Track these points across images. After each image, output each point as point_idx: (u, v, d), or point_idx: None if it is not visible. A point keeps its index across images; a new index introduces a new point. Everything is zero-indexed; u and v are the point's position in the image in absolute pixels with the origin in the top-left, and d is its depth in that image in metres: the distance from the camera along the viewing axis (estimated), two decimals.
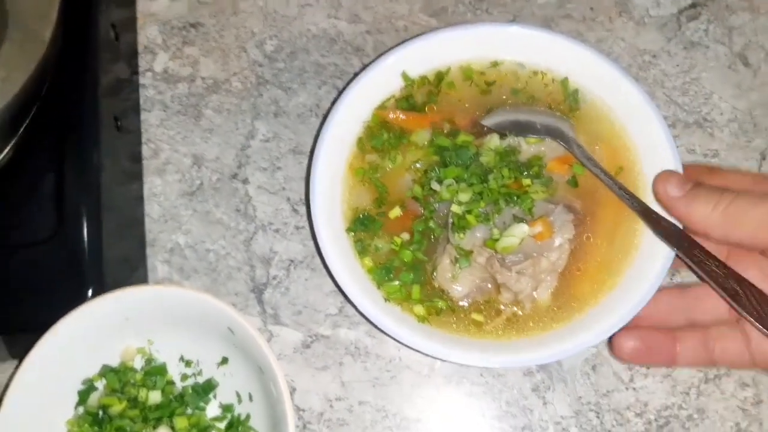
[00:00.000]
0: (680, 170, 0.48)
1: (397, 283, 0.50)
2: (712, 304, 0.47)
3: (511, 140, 0.52)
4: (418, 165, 0.53)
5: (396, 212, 0.51)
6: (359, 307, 0.48)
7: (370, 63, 0.54)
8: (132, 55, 0.63)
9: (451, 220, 0.49)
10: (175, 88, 0.62)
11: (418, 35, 0.55)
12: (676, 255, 0.46)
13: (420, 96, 0.55)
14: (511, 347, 0.48)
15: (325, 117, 0.54)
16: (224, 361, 0.51)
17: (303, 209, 0.58)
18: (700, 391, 0.52)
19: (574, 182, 0.51)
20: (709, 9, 0.62)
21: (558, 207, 0.50)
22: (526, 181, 0.50)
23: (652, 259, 0.48)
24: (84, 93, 0.53)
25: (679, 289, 0.49)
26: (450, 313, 0.50)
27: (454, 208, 0.49)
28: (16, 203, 0.51)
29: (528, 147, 0.52)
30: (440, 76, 0.55)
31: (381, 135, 0.53)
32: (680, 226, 0.46)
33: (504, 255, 0.48)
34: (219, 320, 0.47)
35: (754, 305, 0.42)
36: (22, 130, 0.51)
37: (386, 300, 0.50)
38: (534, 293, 0.49)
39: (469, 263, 0.49)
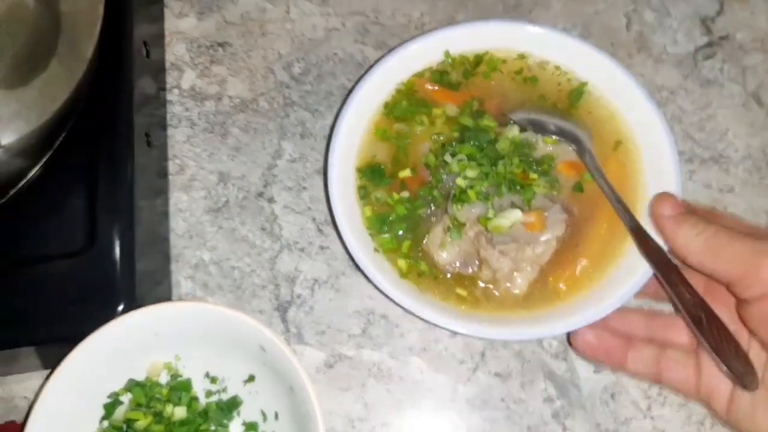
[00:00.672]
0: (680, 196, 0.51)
1: (388, 235, 0.53)
2: (678, 333, 0.49)
3: (530, 135, 0.55)
4: (439, 137, 0.56)
5: (406, 173, 0.55)
6: (347, 243, 0.51)
7: (415, 37, 0.57)
8: (159, 71, 0.64)
9: (453, 192, 0.52)
10: (202, 105, 0.63)
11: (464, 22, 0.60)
12: (654, 275, 0.48)
13: (455, 74, 0.58)
14: (476, 318, 0.50)
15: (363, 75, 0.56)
16: (251, 378, 0.51)
17: (328, 229, 0.59)
18: (714, 422, 0.53)
19: (579, 187, 0.54)
20: (723, 48, 0.65)
21: (556, 205, 0.53)
22: (533, 175, 0.53)
23: (631, 273, 0.50)
24: (119, 109, 0.54)
25: (651, 314, 0.51)
26: (432, 279, 0.52)
27: (459, 181, 0.52)
28: (49, 215, 0.52)
29: (544, 146, 0.55)
30: (479, 59, 0.57)
31: (402, 103, 0.56)
32: (665, 249, 0.49)
33: (493, 234, 0.51)
34: (250, 338, 0.48)
35: (714, 334, 0.44)
36: (57, 143, 0.52)
37: (376, 250, 0.52)
38: (513, 275, 0.51)
39: (460, 235, 0.52)
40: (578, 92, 0.56)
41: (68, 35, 0.46)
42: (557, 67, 0.57)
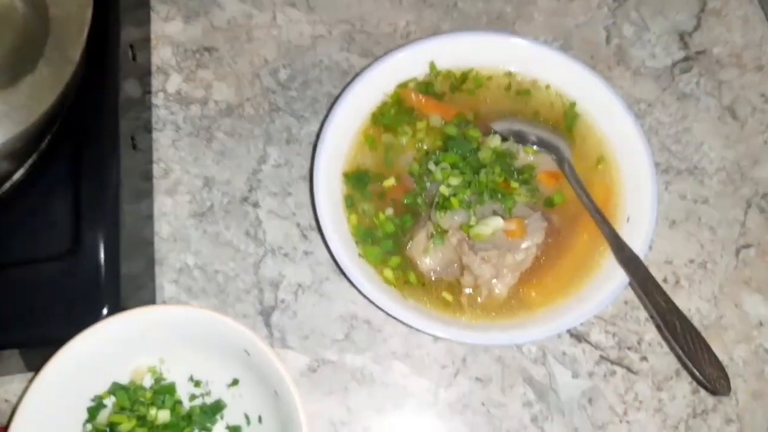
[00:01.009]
0: (655, 212, 0.53)
1: (376, 247, 0.54)
2: None
3: (511, 145, 0.56)
4: (423, 146, 0.57)
5: (391, 182, 0.56)
6: (332, 248, 0.52)
7: (400, 46, 0.58)
8: (145, 75, 0.64)
9: (437, 200, 0.54)
10: (187, 109, 0.63)
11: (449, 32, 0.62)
12: (629, 284, 0.50)
13: (440, 86, 0.59)
14: (457, 323, 0.52)
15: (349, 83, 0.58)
16: (235, 382, 0.52)
17: (312, 235, 0.59)
18: (688, 426, 0.54)
19: (559, 197, 0.55)
20: (700, 63, 0.66)
21: (536, 214, 0.54)
22: (514, 184, 0.55)
23: (608, 281, 0.52)
24: (105, 111, 0.54)
25: None
26: (419, 285, 0.53)
27: (443, 189, 0.54)
28: (33, 218, 0.52)
29: (525, 155, 0.57)
30: (465, 75, 0.59)
31: (390, 111, 0.58)
32: (641, 256, 0.50)
33: (475, 241, 0.52)
34: (235, 342, 0.48)
35: (687, 341, 0.46)
36: (43, 145, 0.52)
37: (360, 256, 0.53)
38: (494, 282, 0.53)
39: (443, 242, 0.53)
40: (572, 114, 0.58)
41: (56, 38, 0.46)
42: (548, 86, 0.59)
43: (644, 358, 0.56)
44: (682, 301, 0.58)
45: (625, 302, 0.57)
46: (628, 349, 0.56)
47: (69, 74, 0.49)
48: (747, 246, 0.60)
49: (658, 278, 0.57)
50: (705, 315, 0.57)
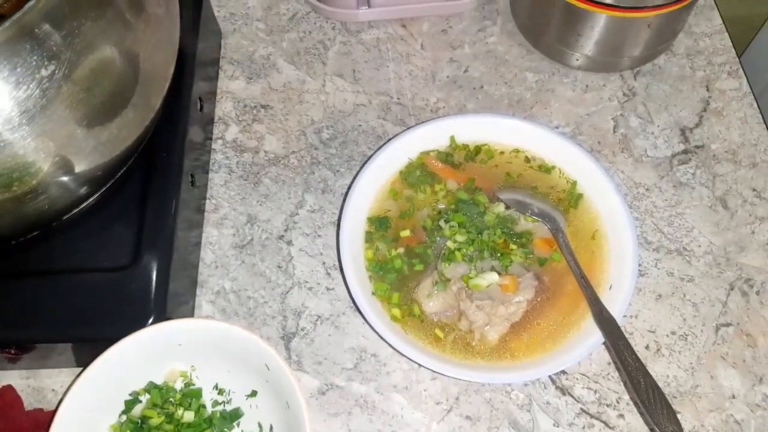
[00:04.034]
0: (634, 282, 0.59)
1: (384, 283, 0.62)
2: None
3: (513, 213, 0.64)
4: (440, 205, 0.65)
5: (406, 233, 0.64)
6: (349, 286, 0.60)
7: (428, 120, 0.69)
8: (208, 123, 0.74)
9: (443, 252, 0.62)
10: (240, 156, 0.73)
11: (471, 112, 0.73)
12: (603, 343, 0.57)
13: (458, 157, 0.68)
14: (450, 362, 0.59)
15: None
16: (253, 393, 0.59)
17: (335, 273, 0.67)
18: None
19: (552, 260, 0.62)
20: (698, 156, 0.74)
21: (529, 273, 0.61)
22: (513, 246, 0.62)
23: (586, 338, 0.58)
24: (172, 152, 0.64)
25: None
26: (419, 322, 0.61)
27: (449, 243, 0.62)
28: (102, 234, 0.61)
29: (525, 222, 0.65)
30: (478, 149, 0.68)
31: (415, 172, 0.67)
32: (617, 320, 0.57)
33: (473, 291, 0.59)
34: (258, 357, 0.56)
35: (648, 395, 0.52)
36: (118, 175, 0.62)
37: (373, 294, 0.61)
38: (486, 329, 0.59)
39: (445, 289, 0.61)
40: (575, 192, 0.66)
41: (143, 88, 0.56)
42: (553, 165, 0.67)
43: (621, 416, 0.61)
44: (661, 367, 0.63)
45: (609, 363, 0.63)
46: (607, 405, 0.62)
47: (149, 119, 0.59)
48: (727, 324, 0.65)
49: (641, 345, 0.64)
50: (681, 383, 0.63)
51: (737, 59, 0.80)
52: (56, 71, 0.45)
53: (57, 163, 0.50)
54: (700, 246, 0.69)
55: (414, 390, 0.62)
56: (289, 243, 0.69)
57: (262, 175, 0.72)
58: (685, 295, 0.66)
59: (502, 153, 0.67)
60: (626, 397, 0.62)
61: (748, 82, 0.78)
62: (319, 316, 0.66)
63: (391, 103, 0.76)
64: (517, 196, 0.65)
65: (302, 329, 0.65)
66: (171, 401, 0.58)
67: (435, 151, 0.68)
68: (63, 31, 0.45)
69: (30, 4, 0.43)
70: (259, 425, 0.58)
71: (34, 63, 0.44)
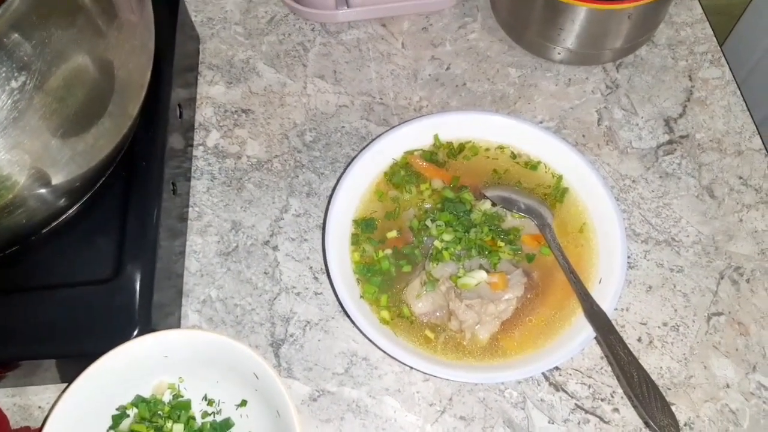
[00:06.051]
0: (623, 275, 0.59)
1: (371, 285, 0.61)
2: None
3: (500, 210, 0.64)
4: (425, 205, 0.65)
5: (393, 234, 0.63)
6: (336, 290, 0.59)
7: (411, 119, 0.68)
8: (189, 130, 0.73)
9: (431, 252, 0.61)
10: (223, 162, 0.72)
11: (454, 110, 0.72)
12: (596, 337, 0.56)
13: (442, 155, 0.67)
14: (441, 363, 0.58)
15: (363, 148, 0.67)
16: (243, 403, 0.58)
17: (323, 277, 0.66)
18: None
19: (541, 255, 0.62)
20: (683, 146, 0.73)
21: (518, 270, 0.61)
22: (501, 243, 0.62)
23: (577, 334, 0.58)
24: (152, 160, 0.63)
25: None
26: (409, 324, 0.60)
27: (437, 243, 0.61)
28: (82, 247, 0.60)
29: (512, 219, 0.64)
30: (462, 147, 0.67)
31: (400, 172, 0.66)
32: (607, 314, 0.56)
33: (461, 290, 0.59)
34: (246, 366, 0.55)
35: (643, 390, 0.52)
36: (96, 186, 0.61)
37: (361, 297, 0.60)
38: (476, 328, 0.59)
39: (434, 289, 0.60)
40: (561, 186, 0.66)
41: (119, 96, 0.54)
42: (538, 161, 0.66)
43: (616, 410, 0.61)
44: (654, 360, 0.63)
45: (601, 357, 0.63)
46: (602, 400, 0.61)
47: (127, 127, 0.58)
48: (718, 314, 0.65)
49: (633, 337, 0.63)
50: (675, 374, 0.62)
51: (719, 48, 0.80)
52: (27, 82, 0.44)
53: (33, 176, 0.49)
54: (688, 236, 0.69)
55: (406, 392, 0.62)
56: (275, 248, 0.68)
57: (245, 181, 0.71)
58: (675, 286, 0.66)
59: (487, 150, 0.67)
60: (620, 390, 0.62)
61: (731, 70, 0.78)
62: (308, 322, 0.65)
63: (374, 103, 0.75)
64: (503, 193, 0.64)
65: (291, 335, 0.64)
66: (159, 414, 0.57)
67: (419, 150, 0.67)
68: (33, 40, 0.44)
69: None
70: None
71: (3, 74, 0.43)
